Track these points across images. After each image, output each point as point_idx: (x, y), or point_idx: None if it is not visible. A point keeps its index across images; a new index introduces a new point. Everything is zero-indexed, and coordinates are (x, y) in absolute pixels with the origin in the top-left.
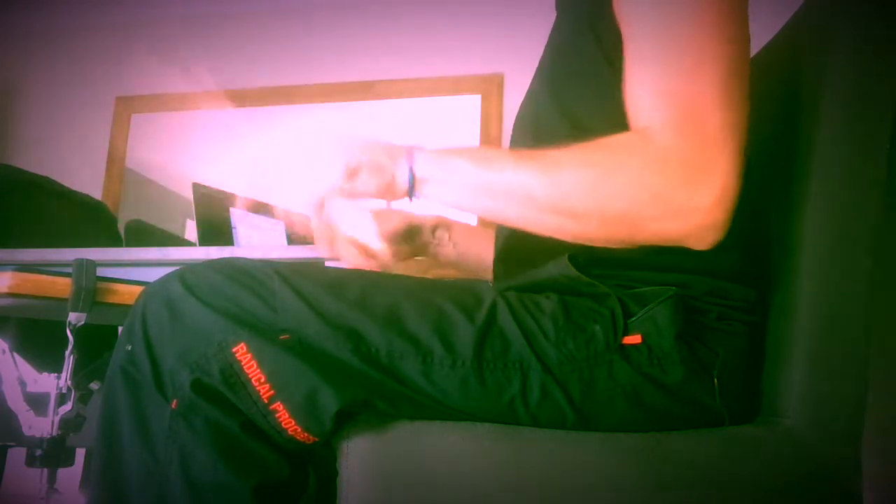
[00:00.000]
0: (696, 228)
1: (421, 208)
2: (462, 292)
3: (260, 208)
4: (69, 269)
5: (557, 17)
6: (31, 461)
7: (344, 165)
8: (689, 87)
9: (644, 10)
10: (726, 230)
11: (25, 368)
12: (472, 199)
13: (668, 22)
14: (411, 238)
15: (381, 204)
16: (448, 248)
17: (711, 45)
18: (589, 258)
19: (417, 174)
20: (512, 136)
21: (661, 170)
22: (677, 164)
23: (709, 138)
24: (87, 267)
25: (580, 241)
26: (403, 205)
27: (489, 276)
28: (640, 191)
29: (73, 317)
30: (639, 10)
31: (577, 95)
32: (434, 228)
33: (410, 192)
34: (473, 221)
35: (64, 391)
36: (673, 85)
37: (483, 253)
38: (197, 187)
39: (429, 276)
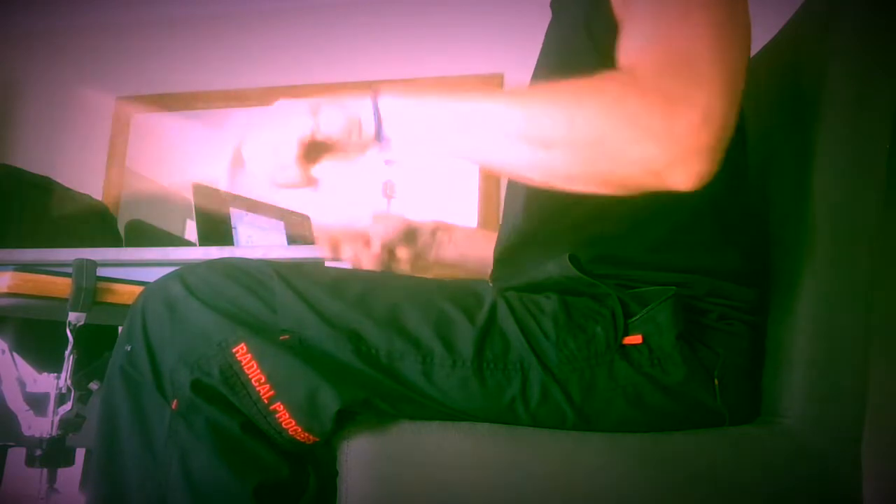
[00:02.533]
0: (677, 154)
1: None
2: (462, 292)
3: (260, 208)
4: (69, 269)
5: (552, 17)
6: (31, 461)
7: (306, 109)
8: (681, 35)
9: None
10: (714, 161)
11: (25, 368)
12: (441, 134)
13: None
14: (411, 240)
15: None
16: (449, 249)
17: (705, 9)
18: (589, 257)
19: (382, 111)
20: None
21: (637, 94)
22: (656, 89)
23: (693, 72)
24: (87, 267)
25: (556, 181)
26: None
27: (486, 276)
28: (615, 114)
29: (73, 317)
30: None
31: None
32: (434, 231)
33: (378, 131)
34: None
35: (63, 391)
36: (664, 31)
37: (484, 253)
38: (197, 187)
39: (429, 276)
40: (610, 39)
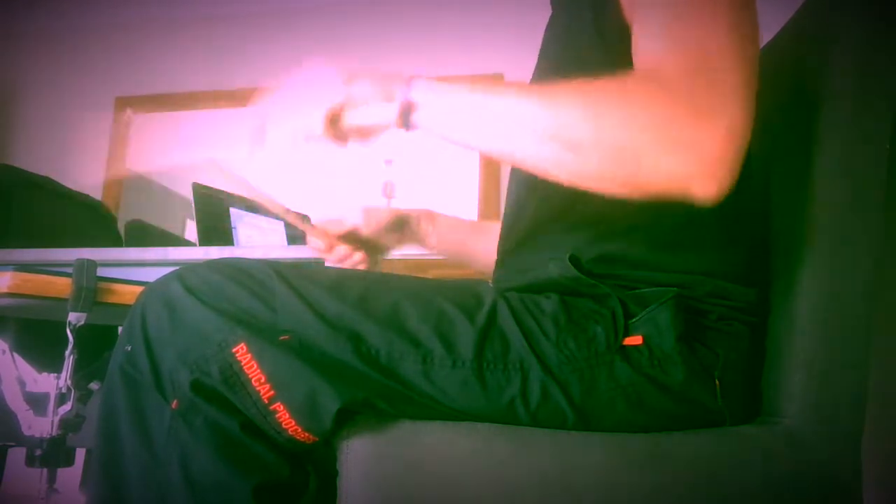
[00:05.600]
0: (701, 167)
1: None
2: (463, 293)
3: (260, 208)
4: (69, 269)
5: (553, 14)
6: (31, 461)
7: (341, 78)
8: (702, 37)
9: None
10: (733, 177)
11: (25, 368)
12: (468, 125)
13: None
14: (399, 228)
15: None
16: (431, 239)
17: (723, 9)
18: (590, 258)
19: (414, 96)
20: None
21: (665, 102)
22: (683, 98)
23: (718, 81)
24: (87, 267)
25: (582, 182)
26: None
27: (470, 266)
28: (643, 120)
29: (73, 317)
30: None
31: None
32: (419, 220)
33: (406, 116)
34: (471, 209)
35: (64, 391)
36: (685, 33)
37: (465, 245)
38: (197, 187)
39: (429, 276)
40: (617, 33)
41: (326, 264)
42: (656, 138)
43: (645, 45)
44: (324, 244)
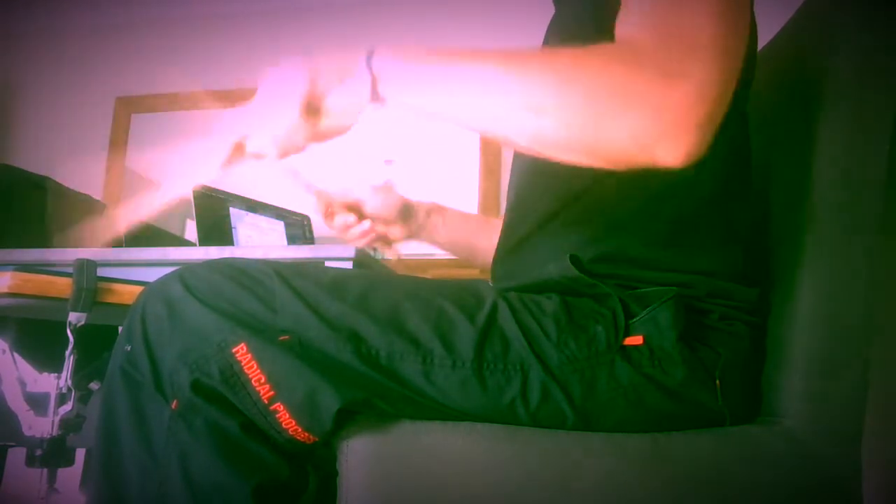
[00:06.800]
0: (666, 128)
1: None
2: (463, 292)
3: (259, 208)
4: (69, 269)
5: (556, 12)
6: (31, 461)
7: (302, 69)
8: (681, 13)
9: None
10: (703, 142)
11: (25, 368)
12: (435, 93)
13: None
14: (407, 217)
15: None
16: (440, 233)
17: None
18: (591, 257)
19: (376, 69)
20: None
21: (633, 64)
22: (653, 61)
23: (690, 49)
24: (87, 267)
25: (544, 149)
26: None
27: (474, 263)
28: (609, 83)
29: (73, 317)
30: None
31: None
32: (429, 212)
33: (373, 91)
34: (472, 202)
35: (64, 391)
36: (664, 10)
37: (473, 239)
38: (197, 189)
39: (429, 276)
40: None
41: (327, 223)
42: (621, 99)
43: (623, 18)
44: (323, 209)
